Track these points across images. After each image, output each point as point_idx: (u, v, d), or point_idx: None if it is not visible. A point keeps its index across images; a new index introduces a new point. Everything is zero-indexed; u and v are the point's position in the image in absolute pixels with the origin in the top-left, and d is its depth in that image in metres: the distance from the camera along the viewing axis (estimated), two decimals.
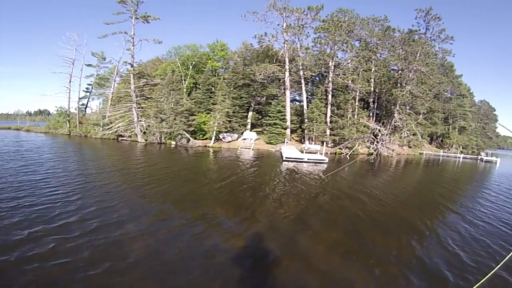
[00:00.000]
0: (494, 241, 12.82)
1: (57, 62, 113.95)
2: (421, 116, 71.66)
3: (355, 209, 16.52)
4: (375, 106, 68.25)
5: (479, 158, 72.00)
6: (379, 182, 27.79)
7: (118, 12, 53.58)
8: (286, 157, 36.63)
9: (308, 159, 36.68)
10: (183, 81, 72.21)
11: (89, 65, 73.66)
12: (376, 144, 55.08)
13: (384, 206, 18.00)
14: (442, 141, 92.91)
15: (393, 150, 59.28)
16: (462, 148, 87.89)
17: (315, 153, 41.93)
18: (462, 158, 71.51)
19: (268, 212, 14.87)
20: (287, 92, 59.61)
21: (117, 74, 69.13)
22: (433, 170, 44.17)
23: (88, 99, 77.71)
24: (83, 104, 75.02)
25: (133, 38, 55.06)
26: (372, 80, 64.47)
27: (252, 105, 65.50)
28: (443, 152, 76.81)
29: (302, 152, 41.35)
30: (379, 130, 56.35)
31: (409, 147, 67.99)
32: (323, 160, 36.93)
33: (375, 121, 65.45)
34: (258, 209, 15.19)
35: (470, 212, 17.83)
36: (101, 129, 56.74)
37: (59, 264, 8.39)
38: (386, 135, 57.25)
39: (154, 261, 8.99)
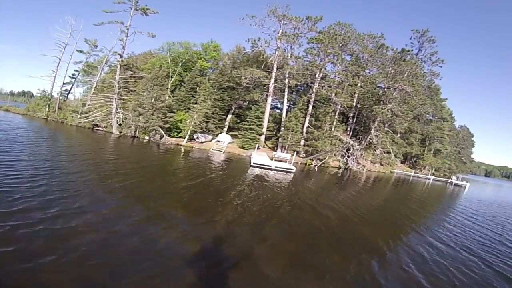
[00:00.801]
0: (454, 265, 13.44)
1: (49, 45, 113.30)
2: (398, 135, 72.83)
3: (317, 223, 16.74)
4: (354, 121, 69.37)
5: (448, 181, 73.41)
6: (345, 197, 28.09)
7: (119, 1, 53.60)
8: (254, 163, 36.75)
9: (276, 167, 36.94)
10: (170, 78, 72.46)
11: (80, 51, 72.74)
12: (346, 159, 55.97)
13: (347, 221, 18.41)
14: (415, 161, 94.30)
15: (364, 166, 60.27)
16: (435, 170, 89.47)
17: (284, 161, 42.41)
18: (432, 180, 72.92)
19: (229, 217, 14.92)
20: (269, 99, 60.28)
21: (105, 64, 69.33)
22: (401, 190, 45.01)
23: (73, 85, 77.34)
24: (66, 90, 74.74)
25: (127, 29, 54.98)
26: (356, 95, 65.42)
27: (233, 108, 65.83)
28: (414, 173, 78.24)
29: (272, 159, 41.61)
30: (352, 145, 57.17)
31: (381, 164, 69.04)
32: (291, 169, 37.31)
33: (352, 136, 66.49)
34: (219, 213, 15.30)
35: (433, 234, 18.36)
36: (78, 116, 56.34)
37: (7, 252, 8.45)
38: (359, 150, 58.13)
39: (105, 256, 9.09)
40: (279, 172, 35.62)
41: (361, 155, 60.75)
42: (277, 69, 59.82)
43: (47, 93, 65.73)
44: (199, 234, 12.22)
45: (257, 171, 33.66)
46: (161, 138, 49.71)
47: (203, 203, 16.90)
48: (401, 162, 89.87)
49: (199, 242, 11.27)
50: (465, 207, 33.59)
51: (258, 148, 53.59)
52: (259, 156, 41.62)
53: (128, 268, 8.65)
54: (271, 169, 36.25)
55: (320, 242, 13.68)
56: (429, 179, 73.41)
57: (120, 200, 14.65)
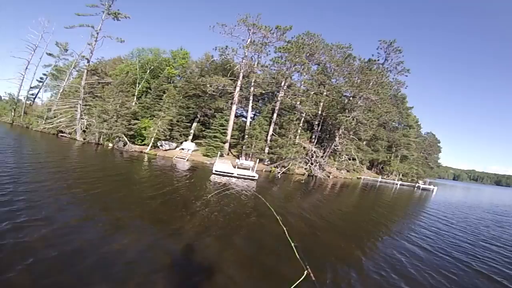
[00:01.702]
0: (433, 267, 13.63)
1: (19, 46, 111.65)
2: (364, 142, 74.11)
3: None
4: (319, 129, 70.17)
5: (416, 185, 75.29)
6: (311, 204, 28.16)
7: (92, 5, 53.41)
8: (215, 171, 36.64)
9: (238, 174, 36.95)
10: (138, 84, 71.96)
11: (50, 55, 72.40)
12: (310, 166, 56.62)
13: (315, 228, 18.20)
14: (382, 167, 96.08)
15: (330, 173, 61.06)
16: (402, 175, 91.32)
17: (248, 169, 42.26)
18: (400, 185, 74.93)
19: (195, 228, 14.40)
20: (234, 107, 60.49)
21: (74, 68, 68.68)
22: (370, 195, 45.76)
23: (40, 89, 76.60)
24: (33, 94, 74.04)
25: (97, 33, 54.46)
26: (322, 103, 66.14)
27: (198, 116, 65.80)
28: (381, 178, 79.64)
29: (235, 167, 41.67)
30: (315, 152, 57.85)
31: (348, 171, 69.94)
32: (253, 176, 37.28)
33: (317, 143, 67.32)
34: (185, 223, 14.89)
35: (406, 238, 18.60)
36: (43, 122, 55.67)
37: None
38: (322, 157, 58.82)
39: (71, 267, 8.83)
40: (242, 179, 35.49)
41: (326, 162, 61.50)
42: (243, 77, 60.22)
43: (13, 97, 65.14)
44: (166, 245, 11.94)
45: (220, 178, 33.42)
46: (124, 145, 49.26)
47: (169, 213, 16.59)
48: (368, 168, 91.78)
49: (166, 254, 10.97)
50: (436, 210, 34.51)
51: (222, 155, 53.68)
52: (222, 164, 41.48)
53: (95, 281, 8.46)
54: (233, 177, 36.14)
55: (289, 252, 13.00)
56: (397, 184, 75.37)
57: (86, 211, 14.35)
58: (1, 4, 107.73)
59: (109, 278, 8.73)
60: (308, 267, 11.25)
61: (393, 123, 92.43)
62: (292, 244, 13.49)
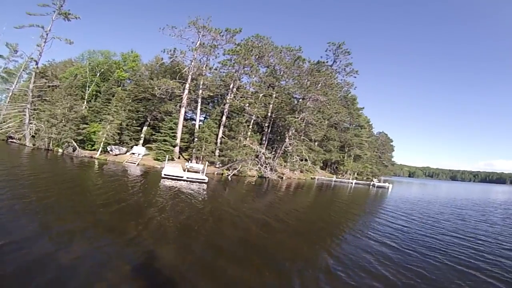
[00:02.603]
0: (402, 264, 13.91)
1: None
2: (315, 143, 75.74)
3: (241, 234, 16.53)
4: (269, 131, 71.19)
5: (371, 184, 77.76)
6: (265, 206, 28.29)
7: (43, 4, 52.41)
8: (165, 174, 36.44)
9: (187, 177, 36.89)
10: (87, 88, 70.88)
11: None
12: (260, 167, 57.41)
13: (271, 231, 18.29)
14: (336, 167, 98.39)
15: (283, 174, 62.10)
16: (357, 174, 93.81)
17: (197, 172, 42.12)
18: (355, 183, 77.08)
19: (151, 235, 14.17)
20: (182, 110, 60.30)
21: (24, 70, 67.48)
22: (325, 195, 46.58)
23: None
24: None
25: (47, 34, 53.57)
26: (271, 105, 66.84)
27: (148, 120, 65.34)
28: (336, 178, 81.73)
29: (185, 170, 41.81)
30: (263, 154, 58.57)
31: (301, 171, 71.19)
32: (203, 179, 37.26)
33: (268, 145, 68.39)
34: (141, 231, 14.51)
35: (369, 236, 18.84)
36: None
37: None
38: (271, 158, 59.63)
39: (26, 279, 8.58)
40: (192, 183, 35.50)
41: (277, 163, 62.57)
42: (191, 80, 60.28)
43: None
44: (124, 254, 11.57)
45: (170, 182, 33.28)
46: (74, 150, 48.32)
47: (124, 221, 16.04)
48: (322, 169, 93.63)
49: (126, 263, 10.67)
50: (393, 207, 35.83)
51: (172, 159, 53.56)
52: (171, 168, 41.15)
53: None
54: (183, 180, 36.12)
55: (248, 255, 13.33)
56: (352, 183, 77.49)
57: (39, 221, 13.84)
58: None
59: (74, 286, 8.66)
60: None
61: (344, 124, 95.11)
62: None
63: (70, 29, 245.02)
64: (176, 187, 30.75)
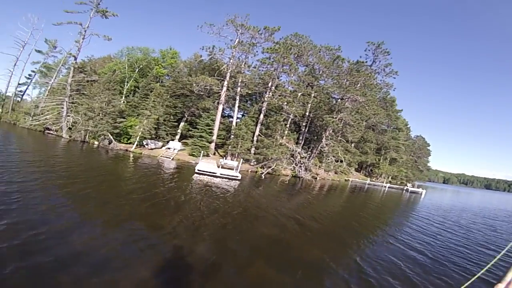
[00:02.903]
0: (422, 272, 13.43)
1: (7, 42, 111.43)
2: (352, 144, 74.17)
3: (276, 233, 16.34)
4: (306, 130, 69.92)
5: (404, 188, 75.48)
6: (295, 205, 27.89)
7: (80, 2, 53.21)
8: (198, 170, 36.39)
9: (220, 174, 36.70)
10: (126, 83, 72.00)
11: (39, 51, 72.35)
12: (294, 166, 56.50)
13: (306, 231, 17.93)
14: (371, 170, 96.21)
15: (317, 174, 61.08)
16: (391, 178, 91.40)
17: (231, 169, 41.84)
18: (388, 187, 74.91)
19: (186, 231, 14.04)
20: (220, 107, 60.15)
21: (62, 65, 68.69)
22: (358, 197, 45.54)
23: (28, 86, 76.30)
24: (21, 91, 73.85)
25: (85, 31, 54.36)
26: (309, 104, 65.78)
27: (186, 115, 65.63)
28: (370, 181, 79.84)
29: (219, 167, 41.12)
30: (299, 153, 57.61)
31: (335, 173, 69.84)
32: (236, 176, 37.10)
33: (304, 144, 67.26)
34: (175, 226, 14.46)
35: (401, 242, 18.40)
36: (30, 118, 55.47)
37: None
38: (306, 158, 58.69)
39: (60, 272, 8.57)
40: (225, 179, 35.16)
41: (312, 163, 61.43)
42: (230, 77, 60.05)
43: (1, 93, 65.00)
44: (159, 248, 11.52)
45: (203, 178, 33.18)
46: (109, 143, 48.97)
47: (158, 214, 16.03)
48: (357, 171, 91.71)
49: (159, 258, 10.64)
50: (426, 213, 34.77)
51: (208, 155, 53.65)
52: (205, 163, 41.09)
53: (101, 279, 8.54)
54: (216, 176, 35.82)
55: (282, 254, 13.14)
56: (385, 186, 75.47)
57: (74, 212, 13.91)
58: None
59: (107, 279, 8.71)
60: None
61: (382, 126, 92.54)
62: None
63: (110, 26, 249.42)
64: (209, 183, 30.62)
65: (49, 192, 16.32)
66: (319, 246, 15.18)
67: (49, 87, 63.89)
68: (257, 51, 61.31)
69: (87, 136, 50.36)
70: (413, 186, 78.29)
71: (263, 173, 50.24)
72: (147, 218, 15.12)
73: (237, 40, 59.25)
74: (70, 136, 50.90)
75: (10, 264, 8.42)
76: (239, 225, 16.60)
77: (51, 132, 52.77)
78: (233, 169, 41.29)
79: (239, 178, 37.25)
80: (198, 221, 15.88)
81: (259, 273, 10.80)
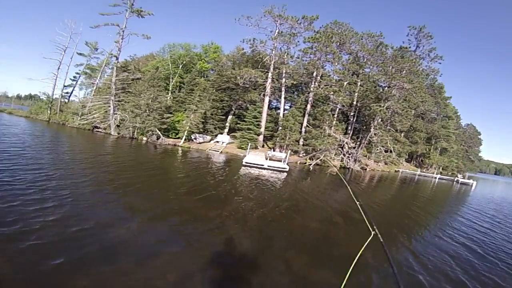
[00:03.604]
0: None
1: (49, 48, 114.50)
2: (401, 134, 72.00)
3: (322, 228, 15.91)
4: (354, 120, 68.29)
5: (455, 179, 72.51)
6: (344, 197, 26.19)
7: (114, 4, 54.37)
8: (246, 162, 36.33)
9: (268, 166, 36.42)
10: (171, 79, 72.85)
11: (80, 54, 74.40)
12: (342, 157, 55.34)
13: (348, 222, 17.63)
14: (422, 160, 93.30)
15: (367, 165, 59.48)
16: (442, 169, 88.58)
17: (279, 160, 41.15)
18: (438, 178, 72.04)
19: (234, 226, 13.75)
20: (266, 99, 59.90)
21: (105, 66, 70.34)
22: (406, 189, 43.88)
23: (74, 87, 78.45)
24: (67, 92, 75.77)
25: (123, 31, 55.41)
26: (356, 93, 64.37)
27: (233, 109, 65.83)
28: (420, 171, 77.22)
29: (267, 159, 40.96)
30: (346, 143, 56.34)
31: (385, 163, 67.95)
32: (284, 168, 36.68)
33: (353, 135, 65.77)
34: (222, 219, 14.34)
35: (447, 236, 17.63)
36: (78, 118, 56.97)
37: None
38: (354, 148, 57.26)
39: (107, 263, 8.76)
40: (272, 171, 34.87)
41: (361, 154, 59.87)
42: (274, 69, 59.69)
43: (48, 96, 66.68)
44: (208, 240, 11.69)
45: (251, 170, 33.09)
46: (158, 138, 49.78)
47: (206, 207, 15.97)
48: (407, 161, 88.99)
49: (207, 252, 10.57)
50: (478, 206, 33.15)
51: (257, 148, 53.66)
52: (252, 156, 40.82)
53: (147, 272, 8.62)
54: (264, 168, 35.63)
55: (329, 251, 12.77)
56: (435, 177, 72.67)
57: (124, 205, 14.30)
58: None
59: (153, 271, 8.68)
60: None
61: (432, 114, 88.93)
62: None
63: (150, 24, 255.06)
64: (257, 175, 30.41)
65: (99, 187, 16.79)
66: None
67: (94, 87, 65.91)
68: (298, 41, 60.58)
69: (135, 133, 51.34)
70: (464, 178, 75.08)
71: (311, 164, 49.38)
72: (195, 211, 15.13)
73: (276, 31, 58.77)
74: (118, 133, 52.09)
75: (60, 254, 8.72)
76: (286, 219, 16.19)
77: (100, 130, 54.18)
78: (281, 161, 40.63)
79: (287, 170, 36.86)
80: (246, 214, 15.77)
81: (304, 270, 10.46)
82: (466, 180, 71.52)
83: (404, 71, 59.79)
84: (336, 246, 13.45)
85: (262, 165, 36.39)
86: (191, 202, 16.54)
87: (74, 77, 77.68)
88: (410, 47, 73.62)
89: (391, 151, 63.74)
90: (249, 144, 47.96)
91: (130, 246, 9.97)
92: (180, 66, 74.71)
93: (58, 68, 67.00)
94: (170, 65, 73.85)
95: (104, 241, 9.98)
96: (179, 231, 12.14)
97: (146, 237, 10.99)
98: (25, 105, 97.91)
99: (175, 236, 11.70)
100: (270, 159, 40.96)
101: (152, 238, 10.95)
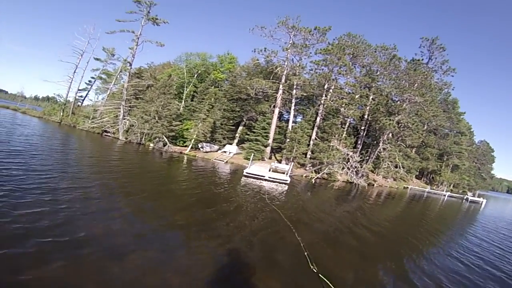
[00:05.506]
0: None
1: (65, 51, 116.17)
2: (413, 149, 71.37)
3: (324, 245, 15.21)
4: (364, 134, 67.86)
5: (464, 197, 71.60)
6: (346, 214, 26.20)
7: (131, 11, 55.54)
8: (246, 173, 35.98)
9: (269, 177, 36.16)
10: (185, 88, 73.87)
11: (97, 59, 76.71)
12: (347, 171, 54.86)
13: (357, 237, 17.61)
14: (432, 177, 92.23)
15: (374, 181, 59.14)
16: (453, 186, 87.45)
17: (282, 172, 40.71)
18: (448, 196, 71.23)
19: (236, 240, 13.42)
20: (276, 110, 60.02)
21: (121, 72, 71.48)
22: (413, 207, 42.87)
23: (88, 91, 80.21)
24: (81, 96, 77.31)
25: (138, 38, 56.55)
26: (367, 107, 63.92)
27: (245, 119, 66.15)
28: (430, 188, 76.45)
29: (270, 170, 41.09)
30: (351, 157, 55.64)
31: (394, 179, 67.35)
32: (285, 180, 36.48)
33: (362, 149, 65.34)
34: (229, 233, 14.12)
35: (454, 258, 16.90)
36: (89, 121, 58.03)
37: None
38: (359, 162, 56.58)
39: (111, 266, 8.91)
40: (273, 183, 34.55)
41: (369, 169, 59.52)
42: (285, 80, 59.86)
43: (62, 98, 68.00)
44: (216, 254, 11.41)
45: (250, 181, 32.62)
46: (164, 145, 50.07)
47: (214, 221, 15.50)
48: (417, 178, 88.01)
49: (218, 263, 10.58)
50: (487, 226, 32.44)
51: (263, 159, 53.98)
52: (256, 167, 40.95)
53: (151, 279, 8.67)
54: (264, 180, 35.41)
55: (335, 271, 12.05)
56: (445, 195, 71.95)
57: (135, 214, 14.31)
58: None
59: (156, 279, 8.71)
60: None
61: (444, 130, 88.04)
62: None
63: (167, 32, 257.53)
64: (255, 186, 29.97)
65: (106, 191, 17.07)
66: (372, 261, 14.09)
67: (108, 92, 67.77)
68: (310, 53, 60.48)
69: (143, 139, 51.83)
70: (473, 195, 74.26)
71: (312, 178, 49.27)
72: (211, 227, 14.62)
73: (290, 42, 58.96)
74: (126, 138, 52.75)
75: (67, 252, 9.06)
76: (283, 234, 15.66)
77: (109, 134, 55.04)
78: (284, 173, 40.27)
79: (288, 182, 36.61)
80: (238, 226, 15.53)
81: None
82: (475, 198, 70.63)
83: (416, 85, 59.53)
84: (338, 266, 12.39)
85: (263, 176, 36.14)
86: (207, 218, 16.04)
87: (89, 81, 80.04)
88: (422, 59, 73.69)
89: (400, 167, 63.16)
90: (253, 155, 47.88)
91: (134, 259, 9.79)
92: (195, 75, 75.65)
93: (74, 72, 68.83)
94: (185, 73, 74.91)
95: (108, 243, 10.32)
96: (189, 245, 12.04)
97: (148, 244, 11.12)
98: (41, 106, 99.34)
99: (183, 250, 11.52)
100: (273, 171, 41.04)
101: (154, 245, 11.10)
